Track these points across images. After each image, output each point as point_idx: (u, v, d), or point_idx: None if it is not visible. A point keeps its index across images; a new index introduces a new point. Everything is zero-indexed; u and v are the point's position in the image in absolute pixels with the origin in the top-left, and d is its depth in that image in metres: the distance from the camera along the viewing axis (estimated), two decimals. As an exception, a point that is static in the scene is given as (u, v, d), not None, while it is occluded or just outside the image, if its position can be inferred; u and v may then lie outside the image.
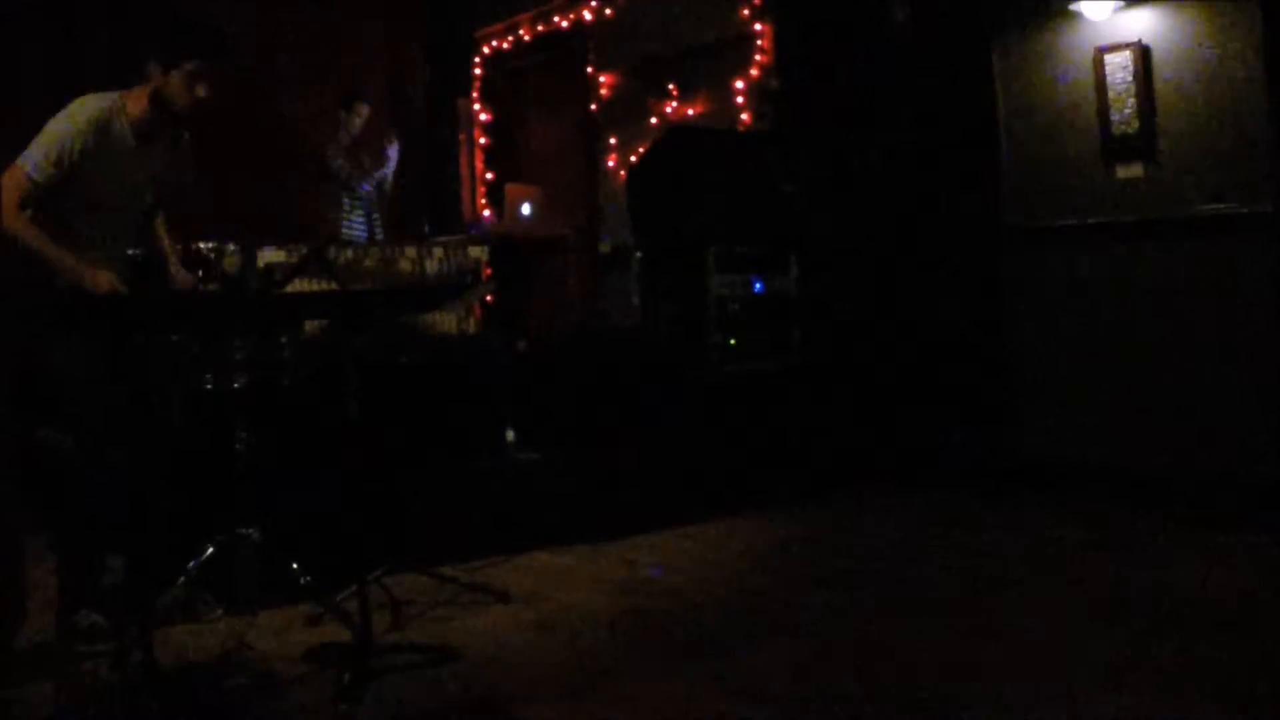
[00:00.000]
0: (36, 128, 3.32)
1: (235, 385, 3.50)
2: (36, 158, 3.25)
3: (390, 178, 7.14)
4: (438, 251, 5.49)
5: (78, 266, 3.27)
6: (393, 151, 7.09)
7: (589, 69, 7.44)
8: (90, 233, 3.40)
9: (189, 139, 3.71)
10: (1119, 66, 4.99)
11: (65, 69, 5.82)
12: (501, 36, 8.01)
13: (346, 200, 6.90)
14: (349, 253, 5.59)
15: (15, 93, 5.24)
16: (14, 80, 5.56)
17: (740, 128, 6.18)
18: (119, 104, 3.40)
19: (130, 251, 3.46)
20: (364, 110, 7.02)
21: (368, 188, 6.98)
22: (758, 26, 6.16)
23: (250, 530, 3.40)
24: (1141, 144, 4.95)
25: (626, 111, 7.17)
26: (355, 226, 6.92)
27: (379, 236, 6.98)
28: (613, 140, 7.25)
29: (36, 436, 3.84)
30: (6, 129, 3.42)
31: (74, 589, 3.34)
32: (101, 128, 3.33)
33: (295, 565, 3.42)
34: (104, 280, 3.27)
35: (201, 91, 3.39)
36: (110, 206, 3.42)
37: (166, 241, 3.75)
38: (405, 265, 5.28)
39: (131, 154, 3.42)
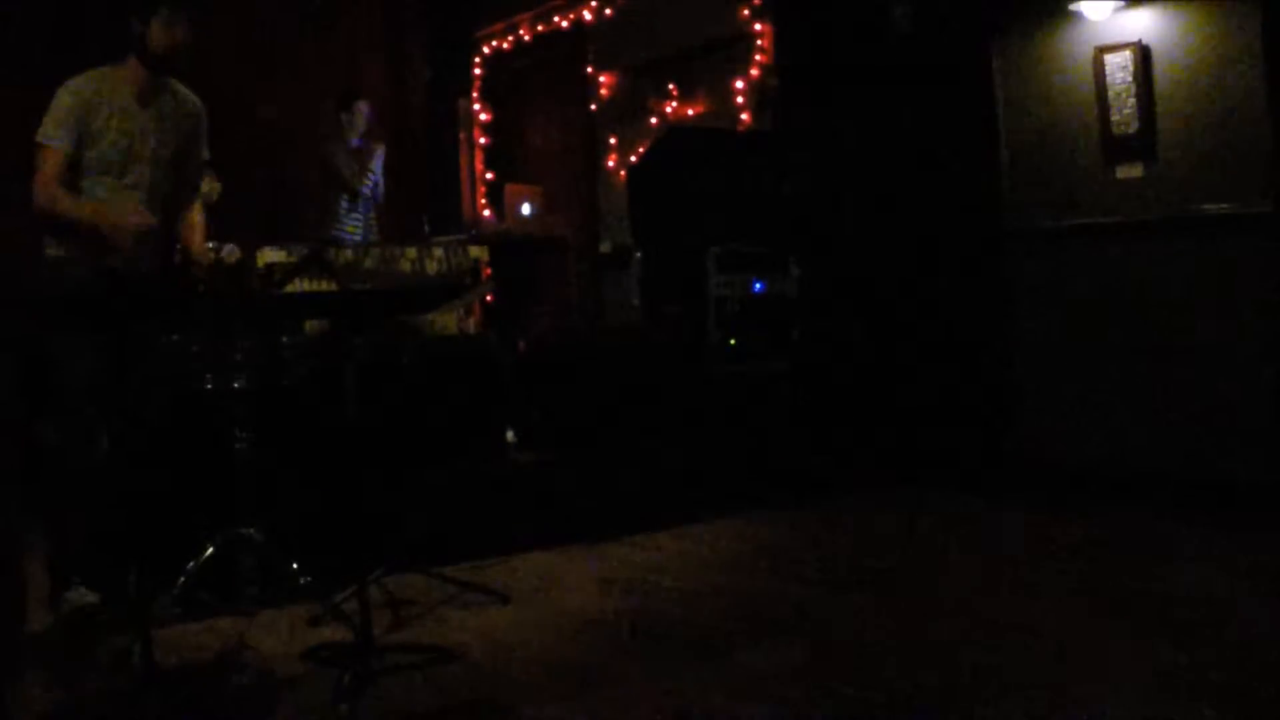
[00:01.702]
0: (44, 108, 3.43)
1: (235, 385, 3.50)
2: (51, 130, 3.38)
3: (381, 183, 7.09)
4: (438, 251, 5.49)
5: (105, 211, 3.37)
6: (378, 159, 7.02)
7: (589, 69, 7.44)
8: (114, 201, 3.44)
9: (200, 106, 3.75)
10: (1119, 66, 4.99)
11: (69, 51, 5.82)
12: (501, 36, 8.01)
13: (346, 202, 6.87)
14: (349, 253, 5.58)
15: (22, 74, 5.25)
16: (21, 62, 5.57)
17: (740, 128, 6.18)
18: (113, 71, 3.51)
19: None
20: (364, 108, 6.99)
21: (368, 189, 6.94)
22: (758, 26, 6.17)
23: (250, 530, 3.41)
24: (1141, 144, 4.95)
25: (626, 111, 7.18)
26: (352, 225, 6.89)
27: (373, 239, 6.95)
28: (613, 140, 7.25)
29: (34, 431, 3.84)
30: (15, 111, 3.53)
31: (63, 565, 3.34)
32: (100, 91, 3.44)
33: (295, 565, 3.42)
34: (132, 215, 3.36)
35: (179, 35, 3.48)
36: (130, 173, 3.47)
37: (199, 233, 3.77)
38: (405, 265, 5.28)
39: (136, 116, 3.49)
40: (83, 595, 3.29)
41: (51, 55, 5.81)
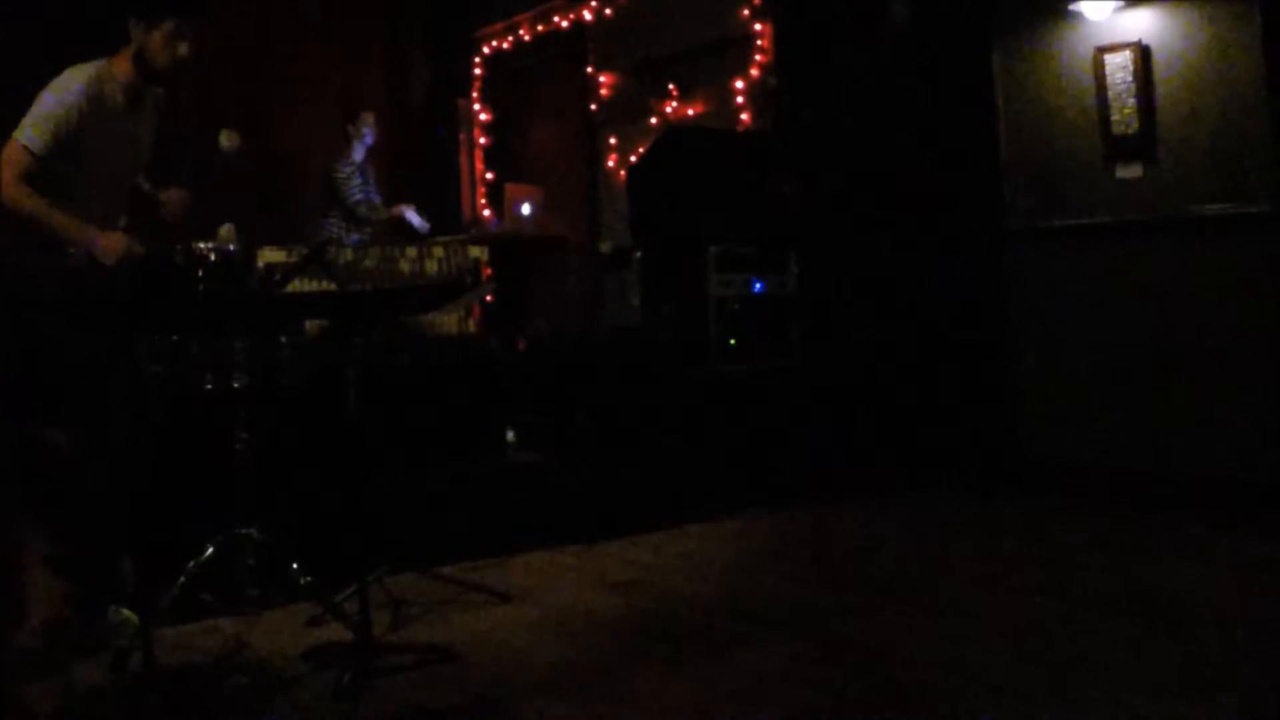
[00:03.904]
0: (33, 98, 3.35)
1: (235, 385, 3.50)
2: (33, 131, 3.27)
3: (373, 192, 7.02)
4: (438, 251, 5.50)
5: (86, 231, 3.30)
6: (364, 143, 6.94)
7: (589, 69, 7.44)
8: (88, 201, 3.42)
9: (163, 95, 3.70)
10: (1119, 66, 4.99)
11: (64, 40, 5.81)
12: (501, 36, 8.01)
13: (340, 224, 6.80)
14: (349, 253, 5.58)
15: (15, 65, 5.25)
16: (13, 53, 5.56)
17: (740, 128, 6.18)
18: (107, 69, 3.43)
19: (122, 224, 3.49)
20: (370, 118, 6.94)
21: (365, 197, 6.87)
22: (758, 26, 6.16)
23: (250, 530, 3.40)
24: (1141, 144, 4.95)
25: (626, 111, 7.17)
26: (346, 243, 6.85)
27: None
28: (613, 140, 7.24)
29: (37, 435, 3.82)
30: (7, 101, 3.44)
31: (102, 585, 3.33)
32: (94, 96, 3.36)
33: (295, 565, 3.42)
34: (116, 245, 3.29)
35: (182, 50, 3.41)
36: (107, 172, 3.45)
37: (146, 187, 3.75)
38: (405, 265, 5.29)
39: (122, 118, 3.45)
40: (122, 615, 3.28)
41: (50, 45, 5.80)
